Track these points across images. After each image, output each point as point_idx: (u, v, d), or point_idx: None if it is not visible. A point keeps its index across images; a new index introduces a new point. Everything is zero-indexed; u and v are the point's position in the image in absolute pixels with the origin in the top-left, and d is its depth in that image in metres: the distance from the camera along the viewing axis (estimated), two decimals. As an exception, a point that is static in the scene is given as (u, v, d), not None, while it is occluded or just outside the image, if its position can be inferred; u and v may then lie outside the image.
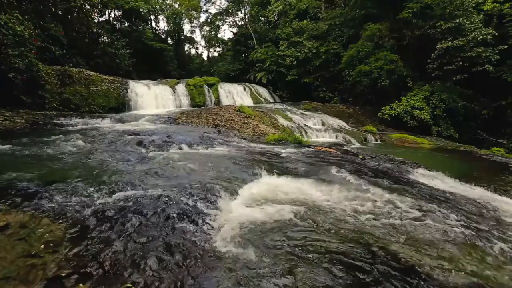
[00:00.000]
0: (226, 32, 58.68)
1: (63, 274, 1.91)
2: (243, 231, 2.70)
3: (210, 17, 35.89)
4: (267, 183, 4.04)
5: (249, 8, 30.28)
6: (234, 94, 18.29)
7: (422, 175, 5.23)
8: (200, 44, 44.03)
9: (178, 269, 2.08)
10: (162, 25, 42.80)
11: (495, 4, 13.14)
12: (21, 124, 7.90)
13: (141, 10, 27.59)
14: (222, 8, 33.73)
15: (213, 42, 41.42)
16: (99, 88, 12.88)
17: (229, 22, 35.06)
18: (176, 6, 36.21)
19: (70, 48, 15.93)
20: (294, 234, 2.69)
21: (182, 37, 38.75)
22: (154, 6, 32.16)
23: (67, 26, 16.19)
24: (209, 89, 17.44)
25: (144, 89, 14.52)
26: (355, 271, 2.18)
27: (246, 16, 31.15)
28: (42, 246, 2.17)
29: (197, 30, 41.18)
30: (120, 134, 7.30)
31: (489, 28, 12.60)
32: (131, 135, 7.16)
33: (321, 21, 21.57)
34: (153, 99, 14.53)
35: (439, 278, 2.16)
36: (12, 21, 8.79)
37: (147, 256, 2.17)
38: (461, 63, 12.87)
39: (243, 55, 27.99)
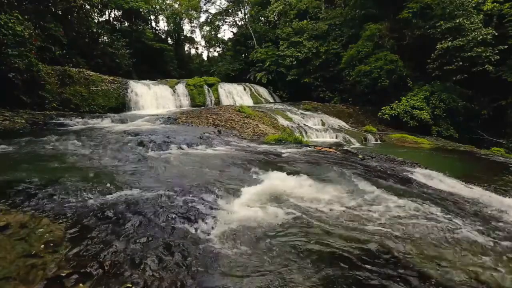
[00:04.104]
0: (226, 32, 58.75)
1: (63, 274, 1.91)
2: (243, 231, 2.70)
3: (210, 17, 35.84)
4: (266, 184, 4.03)
5: (249, 8, 30.25)
6: (234, 94, 18.30)
7: (422, 175, 5.22)
8: (200, 44, 44.02)
9: (178, 269, 2.08)
10: (162, 25, 42.88)
11: (495, 4, 13.15)
12: (21, 124, 7.89)
13: (141, 10, 27.55)
14: (222, 8, 33.70)
15: (213, 42, 41.35)
16: (99, 88, 12.88)
17: (229, 22, 35.07)
18: (176, 6, 36.19)
19: (70, 48, 15.90)
20: (295, 234, 2.69)
21: (182, 37, 38.71)
22: (154, 6, 32.11)
23: (67, 26, 16.18)
24: (209, 89, 17.44)
25: (144, 89, 14.52)
26: (356, 271, 2.18)
27: (246, 16, 31.13)
28: (42, 246, 2.17)
29: (197, 30, 41.15)
30: (120, 134, 7.30)
31: (489, 28, 12.61)
32: (131, 135, 7.16)
33: (321, 21, 21.57)
34: (153, 99, 14.53)
35: (439, 278, 2.16)
36: (12, 21, 8.78)
37: (147, 256, 2.17)
38: (461, 63, 12.89)
39: (243, 55, 27.98)
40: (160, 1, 33.72)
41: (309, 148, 7.22)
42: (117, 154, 5.29)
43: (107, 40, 22.45)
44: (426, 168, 5.86)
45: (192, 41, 42.07)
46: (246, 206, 3.28)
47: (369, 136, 11.98)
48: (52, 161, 4.57)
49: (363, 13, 17.96)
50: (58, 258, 2.06)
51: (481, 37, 12.35)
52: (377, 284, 2.04)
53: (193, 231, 2.62)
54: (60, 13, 16.75)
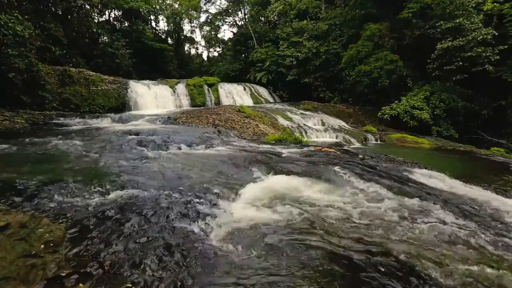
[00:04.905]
0: (226, 32, 58.81)
1: (63, 274, 1.91)
2: (243, 231, 2.70)
3: (210, 17, 35.84)
4: (267, 183, 4.04)
5: (249, 8, 30.25)
6: (234, 94, 18.30)
7: (422, 175, 5.22)
8: (200, 44, 44.04)
9: (178, 269, 2.08)
10: (162, 25, 42.92)
11: (495, 4, 13.14)
12: (21, 124, 7.90)
13: (141, 10, 27.57)
14: (222, 8, 33.71)
15: (213, 42, 41.36)
16: (99, 88, 12.88)
17: (229, 22, 35.04)
18: (176, 6, 36.19)
19: (70, 48, 15.91)
20: (295, 235, 2.69)
21: (182, 37, 38.72)
22: (154, 6, 32.12)
23: (67, 26, 16.19)
24: (209, 89, 17.44)
25: (144, 89, 14.52)
26: (355, 271, 2.18)
27: (246, 16, 31.11)
28: (42, 246, 2.17)
29: (197, 30, 41.18)
30: (120, 134, 7.30)
31: (489, 28, 12.61)
32: (131, 135, 7.16)
33: (321, 21, 21.57)
34: (153, 99, 14.53)
35: (439, 278, 2.16)
36: (12, 21, 8.78)
37: (147, 256, 2.17)
38: (461, 63, 12.88)
39: (243, 55, 27.98)
40: (160, 1, 33.72)
41: (309, 148, 7.22)
42: (117, 154, 5.29)
43: (107, 40, 22.46)
44: (426, 168, 5.86)
45: (192, 41, 42.09)
46: (246, 206, 3.28)
47: (369, 136, 11.98)
48: (52, 161, 4.57)
49: (363, 13, 17.96)
50: (58, 258, 2.06)
51: (481, 37, 12.34)
52: (379, 285, 2.04)
53: (193, 231, 2.62)
54: (60, 13, 16.76)
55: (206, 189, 3.62)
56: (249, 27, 27.47)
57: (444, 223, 3.08)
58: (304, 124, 12.73)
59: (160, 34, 35.23)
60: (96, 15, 22.11)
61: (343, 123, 14.46)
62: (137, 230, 2.54)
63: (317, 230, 2.78)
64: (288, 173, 4.60)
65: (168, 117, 10.70)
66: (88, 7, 18.26)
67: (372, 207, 3.40)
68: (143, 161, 4.94)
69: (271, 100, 20.87)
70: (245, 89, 19.50)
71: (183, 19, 37.27)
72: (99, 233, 2.43)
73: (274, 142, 8.00)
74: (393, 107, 14.08)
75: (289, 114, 13.83)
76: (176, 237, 2.49)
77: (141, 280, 1.92)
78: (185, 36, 39.75)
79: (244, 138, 8.49)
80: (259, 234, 2.65)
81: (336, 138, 11.44)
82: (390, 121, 14.23)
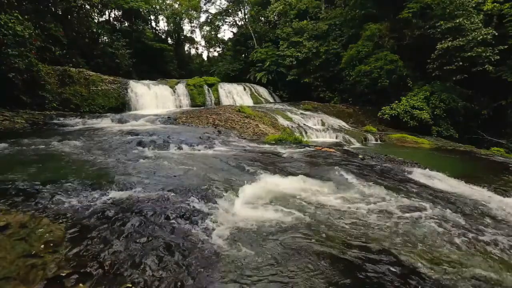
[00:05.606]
0: (226, 32, 58.84)
1: (63, 274, 1.91)
2: (243, 231, 2.70)
3: (210, 17, 35.85)
4: (267, 183, 4.03)
5: (249, 8, 30.25)
6: (234, 94, 18.30)
7: (422, 175, 5.22)
8: (200, 44, 44.05)
9: (178, 269, 2.08)
10: (162, 25, 42.96)
11: (495, 4, 13.13)
12: (21, 124, 7.90)
13: (141, 10, 27.58)
14: (222, 8, 33.71)
15: (213, 42, 41.36)
16: (99, 88, 12.88)
17: (229, 22, 35.03)
18: (176, 6, 36.20)
19: (70, 48, 15.91)
20: (294, 235, 2.68)
21: (182, 37, 38.74)
22: (154, 6, 32.13)
23: (67, 26, 16.19)
24: (209, 89, 17.44)
25: (144, 89, 14.51)
26: (355, 271, 2.18)
27: (246, 16, 31.10)
28: (42, 246, 2.17)
29: (197, 30, 41.20)
30: (120, 134, 7.30)
31: (489, 28, 12.60)
32: (131, 135, 7.16)
33: (321, 21, 21.57)
34: (153, 99, 14.52)
35: (439, 278, 2.16)
36: (12, 21, 8.78)
37: (147, 256, 2.17)
38: (461, 63, 12.87)
39: (243, 55, 27.98)
40: (160, 1, 33.72)
41: (309, 148, 7.22)
42: (117, 154, 5.29)
43: (107, 40, 22.46)
44: (426, 168, 5.86)
45: (192, 41, 42.10)
46: (246, 206, 3.28)
47: (369, 136, 11.98)
48: (52, 161, 4.57)
49: (363, 13, 17.95)
50: (58, 258, 2.06)
51: (481, 37, 12.34)
52: (378, 285, 2.04)
53: (193, 231, 2.61)
54: (60, 13, 16.76)
55: (207, 189, 3.62)
56: (249, 27, 27.45)
57: (445, 223, 3.08)
58: (304, 124, 12.73)
59: (160, 34, 35.25)
60: (96, 15, 22.13)
61: (343, 123, 14.46)
62: (137, 230, 2.53)
63: (317, 230, 2.78)
64: (289, 173, 4.60)
65: (168, 117, 10.70)
66: (88, 7, 18.26)
67: (372, 208, 3.40)
68: (143, 161, 4.94)
69: (271, 100, 20.87)
70: (245, 89, 19.50)
71: (183, 19, 37.28)
72: (99, 233, 2.42)
73: (274, 142, 8.00)
74: (393, 107, 14.08)
75: (289, 114, 13.83)
76: (176, 237, 2.49)
77: (141, 280, 1.92)
78: (185, 36, 39.77)
79: (244, 138, 8.48)
80: (260, 235, 2.65)
81: (336, 138, 11.44)
82: (390, 121, 14.23)
